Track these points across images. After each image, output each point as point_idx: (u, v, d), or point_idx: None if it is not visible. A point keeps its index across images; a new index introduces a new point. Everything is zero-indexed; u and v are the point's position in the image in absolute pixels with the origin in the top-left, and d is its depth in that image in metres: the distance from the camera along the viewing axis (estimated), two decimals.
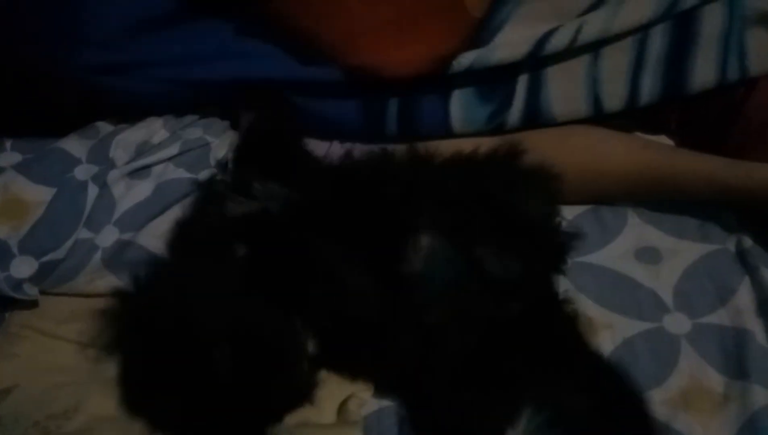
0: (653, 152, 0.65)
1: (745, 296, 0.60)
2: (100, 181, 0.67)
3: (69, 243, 0.63)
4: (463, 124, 0.70)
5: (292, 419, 0.58)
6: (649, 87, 0.68)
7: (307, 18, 0.69)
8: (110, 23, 0.69)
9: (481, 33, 0.70)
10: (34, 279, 0.62)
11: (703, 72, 0.67)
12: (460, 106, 0.70)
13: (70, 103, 0.73)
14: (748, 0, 0.66)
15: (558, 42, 0.67)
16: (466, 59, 0.67)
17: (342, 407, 0.60)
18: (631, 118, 0.71)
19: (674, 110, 0.72)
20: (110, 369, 0.62)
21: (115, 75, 0.70)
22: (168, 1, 0.69)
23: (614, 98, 0.68)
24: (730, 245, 0.64)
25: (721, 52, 0.66)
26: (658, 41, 0.67)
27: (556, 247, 0.60)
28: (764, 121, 0.65)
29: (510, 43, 0.68)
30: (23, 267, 0.61)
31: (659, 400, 0.56)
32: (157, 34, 0.70)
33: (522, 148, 0.61)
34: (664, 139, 0.73)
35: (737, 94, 0.66)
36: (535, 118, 0.69)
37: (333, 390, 0.61)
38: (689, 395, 0.56)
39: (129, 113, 0.74)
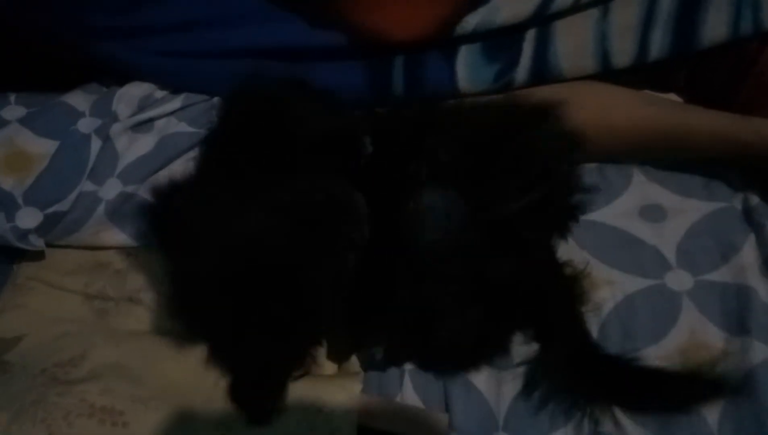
0: (660, 108, 0.64)
1: (749, 254, 0.60)
2: (103, 134, 0.67)
3: (73, 195, 0.64)
4: (470, 84, 0.68)
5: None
6: (658, 42, 0.66)
7: None
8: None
9: None
10: (40, 230, 0.63)
11: (715, 26, 0.64)
12: (466, 65, 0.68)
13: (74, 66, 0.73)
14: None
15: (563, 0, 0.65)
16: (469, 22, 0.66)
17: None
18: (639, 75, 0.70)
19: (683, 66, 0.70)
20: (114, 319, 0.63)
21: (119, 41, 0.69)
22: None
23: (623, 54, 0.67)
24: (737, 203, 0.64)
25: (735, 4, 0.64)
26: None
27: (569, 206, 0.59)
28: None
29: (514, 2, 0.66)
30: (28, 218, 0.62)
31: (657, 356, 0.56)
32: (169, 3, 0.68)
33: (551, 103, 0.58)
34: (672, 97, 0.72)
35: (750, 48, 0.65)
36: (543, 75, 0.68)
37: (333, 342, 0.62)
38: (688, 351, 0.56)
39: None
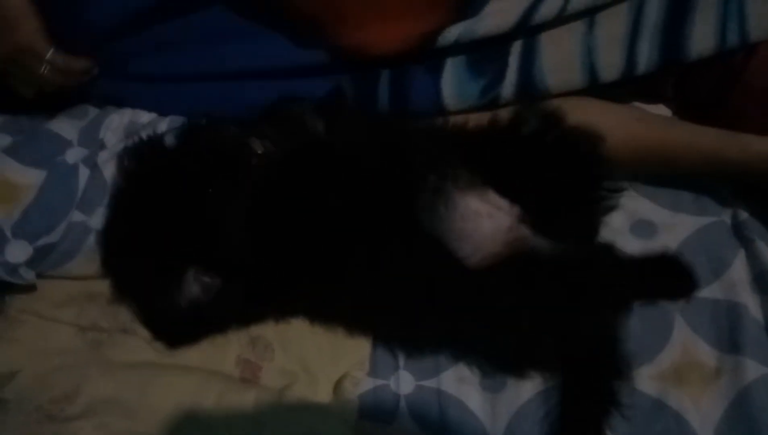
0: (648, 125, 0.64)
1: (739, 270, 0.61)
2: (91, 162, 0.66)
3: (62, 226, 0.63)
4: (456, 100, 0.68)
5: (288, 398, 0.60)
6: (646, 55, 0.66)
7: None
8: (108, 14, 0.66)
9: (470, 6, 0.67)
10: (30, 263, 0.63)
11: (702, 38, 0.64)
12: (452, 81, 0.68)
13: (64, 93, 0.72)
14: None
15: (547, 11, 0.64)
16: (452, 33, 0.65)
17: (337, 386, 0.61)
18: (627, 86, 0.69)
19: (671, 77, 0.70)
20: (108, 351, 0.63)
21: (109, 72, 0.69)
22: None
23: (610, 68, 0.66)
24: (726, 217, 0.64)
25: (721, 16, 0.64)
26: (655, 6, 0.65)
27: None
28: (764, 87, 0.63)
29: (498, 11, 0.66)
30: (18, 251, 0.62)
31: (651, 375, 0.57)
32: (148, 26, 0.67)
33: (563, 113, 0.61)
34: (660, 108, 0.72)
35: (736, 59, 0.65)
36: (530, 89, 0.67)
37: (327, 368, 0.62)
38: (681, 370, 0.57)
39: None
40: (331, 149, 0.63)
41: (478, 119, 0.67)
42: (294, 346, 0.63)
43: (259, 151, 0.62)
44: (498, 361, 0.59)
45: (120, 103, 0.72)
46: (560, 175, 0.60)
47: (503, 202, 0.60)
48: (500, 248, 0.58)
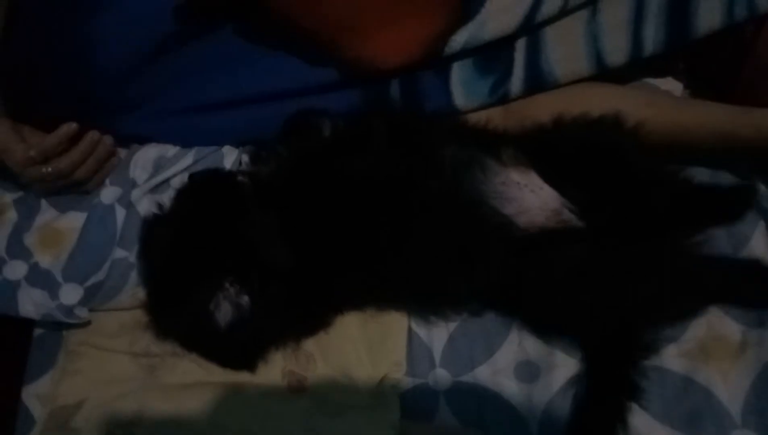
0: (658, 109, 0.64)
1: (759, 242, 0.61)
2: (125, 201, 0.70)
3: (107, 265, 0.68)
4: (467, 100, 0.69)
5: (334, 404, 0.63)
6: (652, 36, 0.66)
7: (303, 17, 0.68)
8: (116, 58, 0.69)
9: (469, 3, 0.68)
10: (83, 302, 0.67)
11: (709, 14, 0.64)
12: (461, 82, 0.69)
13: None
14: None
15: (549, 8, 0.65)
16: (457, 41, 0.66)
17: (378, 388, 0.64)
18: (636, 64, 0.70)
19: (682, 52, 0.70)
20: (163, 374, 0.68)
21: (124, 111, 0.72)
22: (171, 24, 0.68)
23: (617, 52, 0.67)
24: None
25: None
26: None
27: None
28: None
29: (501, 11, 0.66)
30: (71, 294, 0.66)
31: (678, 353, 0.59)
32: (159, 62, 0.70)
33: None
34: (671, 82, 0.72)
35: (746, 33, 0.64)
36: (538, 82, 0.68)
37: (367, 372, 0.65)
38: (707, 346, 0.59)
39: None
40: (358, 138, 0.65)
41: (488, 114, 0.69)
42: (333, 354, 0.66)
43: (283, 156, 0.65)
44: (542, 325, 0.61)
45: (144, 140, 0.75)
46: (611, 171, 0.61)
47: (546, 185, 0.61)
48: (543, 221, 0.60)
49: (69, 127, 0.69)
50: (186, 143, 0.74)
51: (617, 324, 0.58)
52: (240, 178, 0.64)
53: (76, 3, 0.70)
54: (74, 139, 0.70)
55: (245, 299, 0.60)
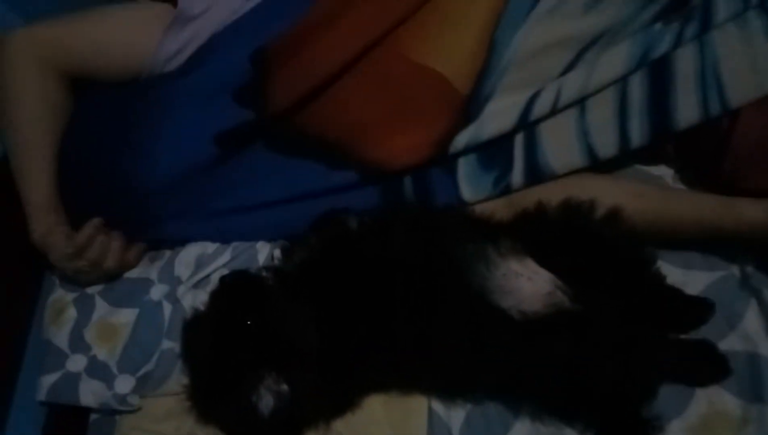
0: (647, 201, 0.69)
1: (753, 320, 0.65)
2: (172, 297, 0.79)
3: (156, 356, 0.75)
4: (473, 192, 0.76)
5: None
6: (637, 130, 0.72)
7: (321, 124, 0.77)
8: (157, 174, 0.80)
9: (471, 107, 0.76)
10: (134, 390, 0.75)
11: (687, 109, 0.70)
12: (467, 176, 0.76)
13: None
14: (718, 37, 0.70)
15: (541, 108, 0.72)
16: (460, 141, 0.74)
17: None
18: (628, 155, 0.76)
19: (669, 141, 0.76)
20: None
21: (177, 219, 0.81)
22: (211, 144, 0.79)
23: (607, 146, 0.73)
24: (735, 271, 0.69)
25: (700, 88, 0.70)
26: (636, 88, 0.72)
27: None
28: (751, 151, 0.68)
29: (498, 113, 0.74)
30: (124, 384, 0.74)
31: (682, 428, 0.62)
32: (209, 176, 0.80)
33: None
34: (662, 169, 0.78)
35: (723, 125, 0.70)
36: (537, 174, 0.75)
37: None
38: (709, 421, 0.62)
39: None
40: (375, 238, 0.72)
41: (494, 207, 0.76)
42: (359, 432, 0.72)
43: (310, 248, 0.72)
44: (545, 407, 0.65)
45: (186, 240, 0.84)
46: (590, 254, 0.66)
47: (541, 269, 0.67)
48: (540, 308, 0.65)
49: (97, 221, 0.79)
50: (225, 241, 0.83)
51: (620, 401, 0.62)
52: (265, 274, 0.71)
53: (138, 119, 0.81)
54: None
55: (284, 387, 0.65)
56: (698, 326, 0.66)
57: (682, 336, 0.67)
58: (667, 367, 0.64)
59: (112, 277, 0.82)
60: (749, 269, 0.67)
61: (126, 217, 0.81)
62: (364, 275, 0.69)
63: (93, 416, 0.77)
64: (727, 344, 0.65)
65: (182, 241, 0.84)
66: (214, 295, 0.69)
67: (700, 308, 0.66)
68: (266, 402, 0.65)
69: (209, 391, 0.66)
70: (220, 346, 0.65)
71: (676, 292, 0.67)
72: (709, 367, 0.64)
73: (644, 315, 0.64)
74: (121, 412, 0.78)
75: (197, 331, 0.68)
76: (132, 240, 0.83)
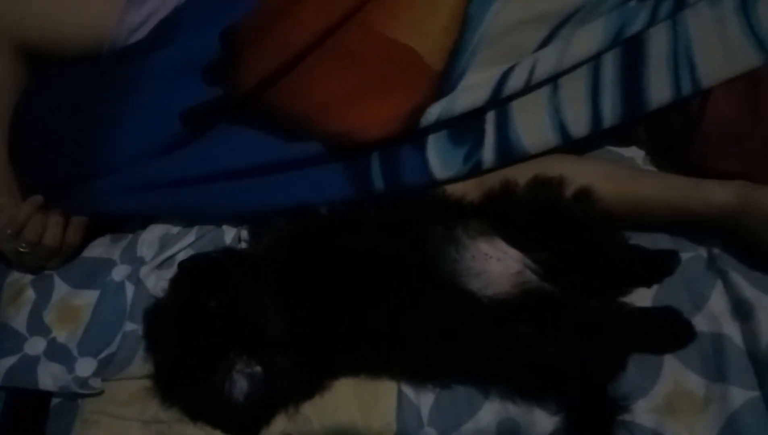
0: (617, 183, 0.69)
1: (718, 301, 0.66)
2: (134, 278, 0.76)
3: (118, 338, 0.73)
4: (443, 169, 0.75)
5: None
6: (609, 109, 0.72)
7: (289, 99, 0.75)
8: (120, 154, 0.77)
9: (444, 84, 0.75)
10: (96, 373, 0.73)
11: (658, 89, 0.70)
12: (436, 151, 0.75)
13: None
14: (691, 16, 0.69)
15: (515, 83, 0.71)
16: (432, 113, 0.73)
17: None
18: (600, 135, 0.75)
19: (641, 123, 0.76)
20: None
21: (136, 192, 0.78)
22: (177, 122, 0.76)
23: (579, 124, 0.73)
24: (702, 252, 0.69)
25: (672, 68, 0.70)
26: (609, 66, 0.71)
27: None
28: (720, 133, 0.68)
29: (471, 88, 0.73)
30: (85, 366, 0.72)
31: (647, 408, 0.63)
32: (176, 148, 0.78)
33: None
34: (633, 150, 0.77)
35: (694, 107, 0.70)
36: (508, 152, 0.74)
37: (360, 432, 0.69)
38: (674, 401, 0.63)
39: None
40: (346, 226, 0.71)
41: (465, 189, 0.75)
42: (328, 415, 0.70)
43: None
44: (514, 389, 0.65)
45: (144, 216, 0.81)
46: (559, 230, 0.66)
47: (510, 249, 0.66)
48: (508, 289, 0.65)
49: (35, 200, 0.76)
50: (184, 216, 0.80)
51: (588, 380, 0.62)
52: (228, 256, 0.70)
53: (102, 95, 0.78)
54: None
55: (257, 369, 0.65)
56: (666, 276, 0.67)
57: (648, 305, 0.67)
58: (634, 338, 0.64)
59: (57, 260, 0.79)
60: (716, 251, 0.68)
61: (83, 193, 0.78)
62: (333, 259, 0.68)
63: (54, 401, 0.74)
64: (694, 325, 0.65)
65: (143, 221, 0.81)
66: (174, 281, 0.67)
67: (665, 259, 0.67)
68: (240, 386, 0.64)
69: (178, 381, 0.65)
70: (184, 332, 0.63)
71: (640, 249, 0.68)
72: (674, 333, 0.65)
73: (611, 279, 0.63)
74: (83, 396, 0.76)
75: (159, 319, 0.66)
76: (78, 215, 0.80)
